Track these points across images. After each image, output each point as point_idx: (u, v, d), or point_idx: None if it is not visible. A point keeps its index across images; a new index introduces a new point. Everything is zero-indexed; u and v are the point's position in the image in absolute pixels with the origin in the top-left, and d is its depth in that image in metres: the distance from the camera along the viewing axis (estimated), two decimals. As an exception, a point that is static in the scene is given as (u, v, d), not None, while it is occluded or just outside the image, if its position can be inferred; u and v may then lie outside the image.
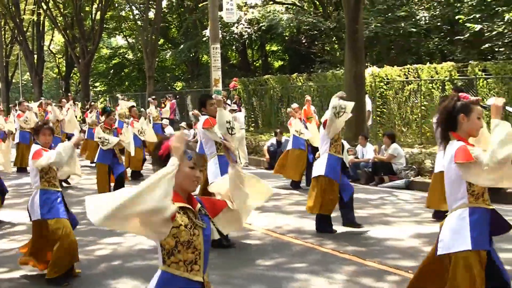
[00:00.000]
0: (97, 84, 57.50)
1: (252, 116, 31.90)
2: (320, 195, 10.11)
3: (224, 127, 9.70)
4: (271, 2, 36.88)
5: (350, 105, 10.07)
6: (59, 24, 47.24)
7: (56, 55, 62.10)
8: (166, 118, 26.33)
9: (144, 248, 9.53)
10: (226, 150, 4.54)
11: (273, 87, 31.18)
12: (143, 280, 7.73)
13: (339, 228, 10.46)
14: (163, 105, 27.53)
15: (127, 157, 17.23)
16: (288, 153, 15.78)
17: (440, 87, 22.67)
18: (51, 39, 59.96)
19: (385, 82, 23.99)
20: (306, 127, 15.59)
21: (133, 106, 19.43)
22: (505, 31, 23.73)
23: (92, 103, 25.70)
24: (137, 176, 17.79)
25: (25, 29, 51.27)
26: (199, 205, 4.14)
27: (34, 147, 8.10)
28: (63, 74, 58.37)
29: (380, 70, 24.38)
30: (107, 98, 50.33)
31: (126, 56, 53.68)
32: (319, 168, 10.27)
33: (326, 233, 10.17)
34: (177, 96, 31.50)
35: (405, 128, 23.21)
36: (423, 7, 30.86)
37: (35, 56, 52.23)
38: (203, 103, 9.94)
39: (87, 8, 47.24)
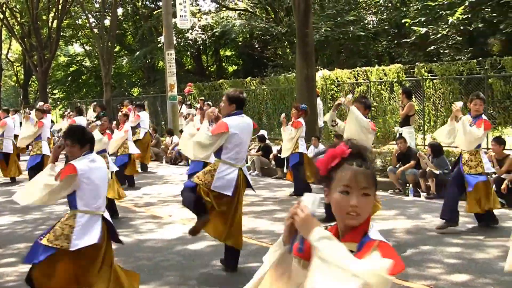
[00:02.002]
0: (55, 91, 57.15)
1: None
2: None
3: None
4: (224, 9, 37.34)
5: None
6: (16, 33, 47.12)
7: (14, 63, 61.85)
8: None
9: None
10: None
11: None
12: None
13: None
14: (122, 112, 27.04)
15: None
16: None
17: (389, 88, 23.32)
18: (9, 48, 59.54)
19: (335, 84, 24.56)
20: None
21: (126, 115, 18.37)
22: (449, 33, 24.58)
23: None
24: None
25: (-18, 38, 51.13)
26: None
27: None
28: (22, 82, 58.19)
29: (331, 72, 24.94)
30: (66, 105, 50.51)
31: (83, 63, 53.59)
32: None
33: None
34: (133, 102, 31.77)
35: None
36: (371, 11, 31.61)
37: (-7, 64, 52.16)
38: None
39: (43, 17, 47.15)
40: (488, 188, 10.27)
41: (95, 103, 25.71)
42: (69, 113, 28.29)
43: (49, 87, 52.58)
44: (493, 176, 12.74)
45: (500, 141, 12.92)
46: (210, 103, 23.12)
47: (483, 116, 10.14)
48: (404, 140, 14.97)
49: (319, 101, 22.06)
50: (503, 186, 12.13)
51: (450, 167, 12.71)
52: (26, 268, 8.76)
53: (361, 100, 9.93)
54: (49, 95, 53.19)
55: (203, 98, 29.52)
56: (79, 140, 6.38)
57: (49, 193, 6.28)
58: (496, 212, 11.01)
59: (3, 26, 48.34)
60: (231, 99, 8.24)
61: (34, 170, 16.45)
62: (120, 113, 17.88)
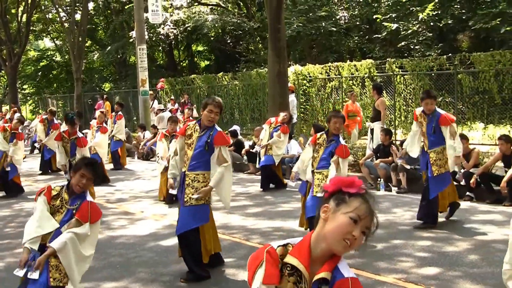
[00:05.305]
0: (25, 86, 56.61)
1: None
2: None
3: None
4: (196, 4, 37.24)
5: None
6: (-16, 27, 46.46)
7: (-17, 58, 61.03)
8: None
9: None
10: None
11: (199, 86, 31.62)
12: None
13: (264, 222, 10.90)
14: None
15: None
16: None
17: (360, 84, 23.47)
18: (-24, 42, 58.74)
19: (307, 80, 24.63)
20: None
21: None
22: (420, 29, 24.82)
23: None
24: None
25: (-52, 32, 50.29)
26: (322, 275, 2.87)
27: None
28: (-10, 77, 57.66)
29: (303, 68, 25.01)
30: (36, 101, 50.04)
31: (54, 58, 53.03)
32: None
33: None
34: (104, 97, 31.71)
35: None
36: (342, 7, 31.75)
37: (-39, 59, 51.32)
38: (203, 106, 7.81)
39: (13, 11, 46.48)
40: (452, 185, 10.47)
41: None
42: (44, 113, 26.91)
43: (19, 82, 51.93)
44: (462, 171, 12.90)
45: (464, 137, 13.05)
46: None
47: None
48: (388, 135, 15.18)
49: (293, 97, 22.01)
50: (472, 180, 12.25)
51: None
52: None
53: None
54: (19, 90, 52.66)
55: (187, 94, 29.35)
56: (96, 176, 5.92)
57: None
58: (465, 205, 11.15)
59: (-30, 19, 47.56)
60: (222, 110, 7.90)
61: None
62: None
